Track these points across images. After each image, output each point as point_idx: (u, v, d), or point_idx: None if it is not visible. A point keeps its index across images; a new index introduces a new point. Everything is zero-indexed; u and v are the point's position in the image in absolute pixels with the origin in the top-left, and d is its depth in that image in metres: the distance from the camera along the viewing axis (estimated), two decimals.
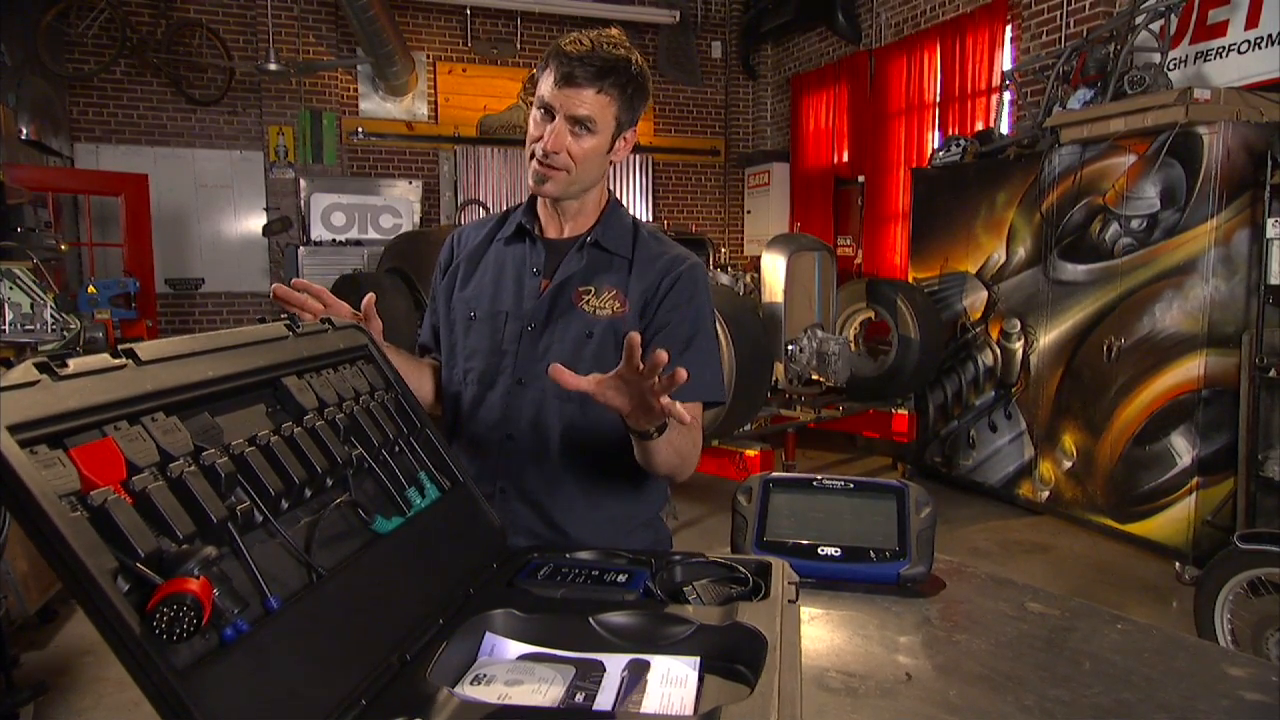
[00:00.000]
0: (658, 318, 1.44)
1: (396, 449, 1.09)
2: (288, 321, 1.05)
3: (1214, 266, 3.85)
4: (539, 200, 1.51)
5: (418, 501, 1.06)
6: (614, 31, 1.39)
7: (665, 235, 1.57)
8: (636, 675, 0.87)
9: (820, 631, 1.11)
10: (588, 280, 1.46)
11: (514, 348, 1.46)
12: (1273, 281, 3.70)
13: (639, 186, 8.81)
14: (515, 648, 0.93)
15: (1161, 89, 4.28)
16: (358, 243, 7.21)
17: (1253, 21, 4.45)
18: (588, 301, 1.45)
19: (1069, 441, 4.66)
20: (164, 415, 0.78)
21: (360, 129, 7.97)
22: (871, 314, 5.62)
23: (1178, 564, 4.06)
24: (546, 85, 1.36)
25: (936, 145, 6.19)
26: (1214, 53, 4.64)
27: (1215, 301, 3.87)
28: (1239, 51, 4.52)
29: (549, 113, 1.36)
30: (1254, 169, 3.81)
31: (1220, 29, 4.61)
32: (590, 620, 0.94)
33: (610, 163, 1.45)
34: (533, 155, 1.39)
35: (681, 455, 1.32)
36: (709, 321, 1.47)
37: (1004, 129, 5.96)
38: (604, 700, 0.83)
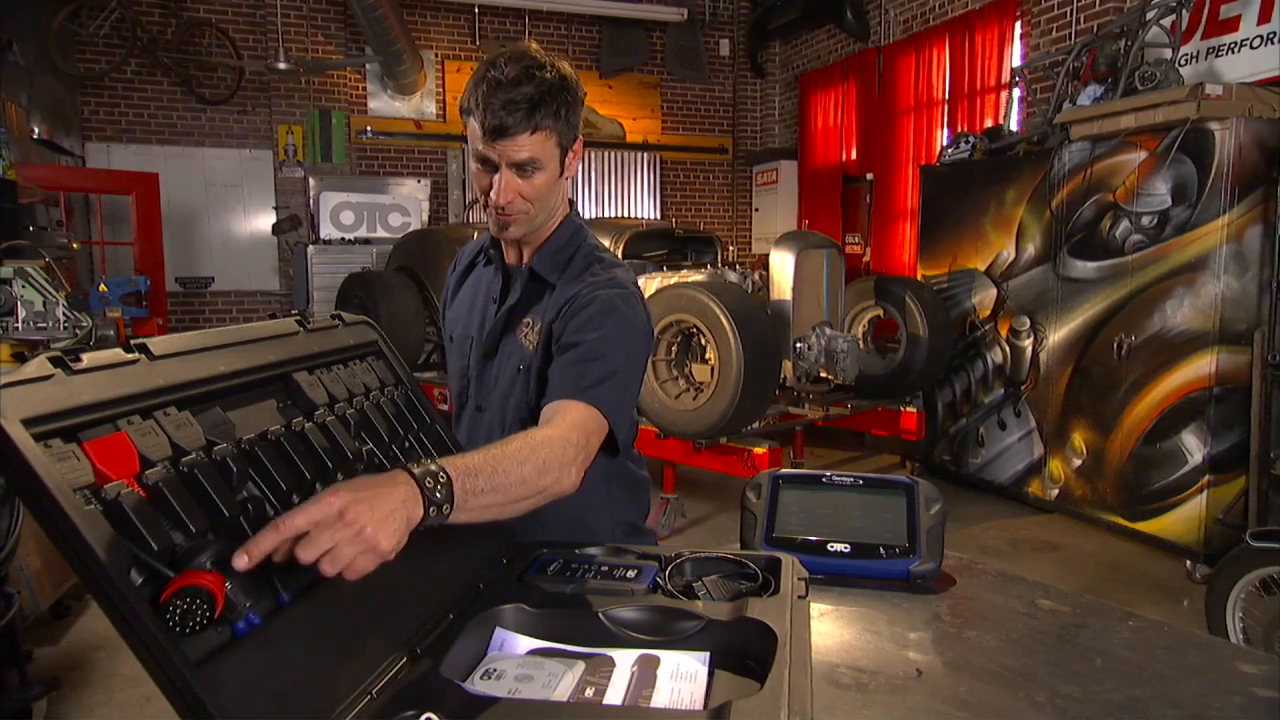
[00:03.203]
0: (555, 343, 1.32)
1: (406, 444, 1.09)
2: (298, 317, 1.06)
3: (1226, 263, 3.83)
4: None
5: None
6: (532, 48, 1.27)
7: (607, 257, 1.43)
8: (646, 670, 0.87)
9: (830, 627, 1.11)
10: (527, 311, 1.41)
11: (475, 373, 1.46)
12: None
13: (647, 184, 8.79)
14: (525, 643, 0.93)
15: (1173, 85, 4.25)
16: (366, 241, 7.24)
17: (1265, 17, 4.41)
18: (526, 335, 1.40)
19: (1079, 439, 4.64)
20: (176, 410, 0.79)
21: (369, 128, 7.99)
22: (880, 312, 5.59)
23: (1189, 562, 4.03)
24: (477, 136, 1.25)
25: (945, 142, 6.16)
26: (1226, 48, 4.60)
27: (1227, 298, 3.84)
28: (1251, 47, 4.48)
29: (489, 163, 1.27)
30: (1266, 165, 3.78)
31: (1232, 24, 4.58)
32: (600, 615, 0.94)
33: (566, 179, 1.37)
34: (486, 204, 1.31)
35: (517, 496, 0.99)
36: (613, 339, 1.28)
37: (1013, 126, 5.92)
38: (614, 695, 0.83)
